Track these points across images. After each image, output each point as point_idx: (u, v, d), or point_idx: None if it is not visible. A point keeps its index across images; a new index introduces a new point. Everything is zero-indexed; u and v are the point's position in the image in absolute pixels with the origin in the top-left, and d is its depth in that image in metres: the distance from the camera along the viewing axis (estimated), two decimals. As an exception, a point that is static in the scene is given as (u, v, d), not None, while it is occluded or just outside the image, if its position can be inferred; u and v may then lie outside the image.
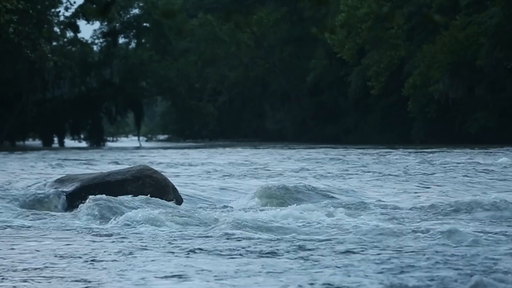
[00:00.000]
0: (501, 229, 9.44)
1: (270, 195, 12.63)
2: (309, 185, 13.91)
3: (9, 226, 10.16)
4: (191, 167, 23.10)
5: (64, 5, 56.52)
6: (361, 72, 54.49)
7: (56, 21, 56.28)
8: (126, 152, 39.43)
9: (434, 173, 18.93)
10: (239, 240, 8.66)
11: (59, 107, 57.64)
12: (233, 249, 8.07)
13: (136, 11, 62.33)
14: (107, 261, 7.51)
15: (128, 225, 10.01)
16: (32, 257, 7.78)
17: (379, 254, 7.66)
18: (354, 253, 7.75)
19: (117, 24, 61.23)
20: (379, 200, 12.94)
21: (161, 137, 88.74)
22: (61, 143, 58.63)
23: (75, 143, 60.14)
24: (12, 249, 8.30)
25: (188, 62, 61.33)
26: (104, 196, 11.39)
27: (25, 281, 6.65)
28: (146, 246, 8.37)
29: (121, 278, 6.74)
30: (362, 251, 7.85)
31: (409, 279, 6.48)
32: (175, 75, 59.81)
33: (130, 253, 7.90)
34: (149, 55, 59.61)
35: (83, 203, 11.21)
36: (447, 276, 6.55)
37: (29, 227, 10.12)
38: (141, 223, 10.01)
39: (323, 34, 46.89)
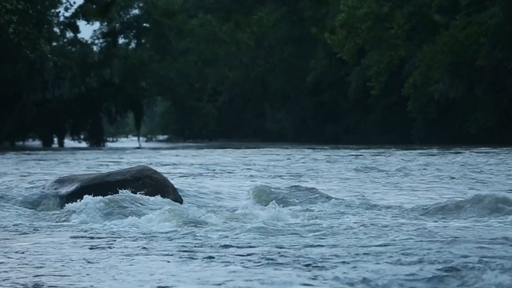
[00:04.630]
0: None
1: (270, 195, 12.62)
2: (308, 186, 13.92)
3: (8, 226, 10.16)
4: (191, 167, 23.09)
5: (64, 5, 56.60)
6: (361, 72, 54.48)
7: (56, 21, 56.30)
8: (126, 152, 39.42)
9: (435, 173, 18.93)
10: (238, 241, 8.65)
11: (59, 107, 57.64)
12: (233, 250, 8.07)
13: (136, 11, 62.38)
14: (105, 262, 7.50)
15: (127, 225, 10.01)
16: (31, 257, 7.77)
17: (378, 254, 7.65)
18: (349, 252, 7.74)
19: (117, 24, 61.21)
20: (378, 200, 12.93)
21: (161, 137, 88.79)
22: (61, 143, 58.65)
23: (75, 143, 60.15)
24: (11, 249, 8.29)
25: (188, 62, 61.31)
26: (104, 196, 11.39)
27: (23, 281, 6.64)
28: (144, 247, 8.36)
29: (118, 279, 6.74)
30: (359, 251, 7.84)
31: (415, 280, 6.47)
32: (175, 75, 59.80)
33: (128, 255, 7.89)
34: (149, 55, 59.63)
35: (83, 203, 11.20)
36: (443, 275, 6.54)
37: (28, 227, 10.12)
38: (139, 224, 10.01)
39: (323, 34, 46.85)
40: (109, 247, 8.39)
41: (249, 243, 8.47)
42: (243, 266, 7.16)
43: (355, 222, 10.03)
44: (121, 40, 62.88)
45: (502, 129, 44.63)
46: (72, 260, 7.57)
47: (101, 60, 60.61)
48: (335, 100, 60.74)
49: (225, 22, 60.48)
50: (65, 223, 10.42)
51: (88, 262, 7.48)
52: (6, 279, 6.71)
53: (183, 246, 8.34)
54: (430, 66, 47.42)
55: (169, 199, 11.86)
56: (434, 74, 46.87)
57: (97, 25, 61.14)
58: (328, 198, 12.94)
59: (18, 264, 7.41)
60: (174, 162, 26.65)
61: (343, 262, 7.26)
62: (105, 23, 60.42)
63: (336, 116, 60.23)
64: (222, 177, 18.54)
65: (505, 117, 45.17)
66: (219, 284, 6.46)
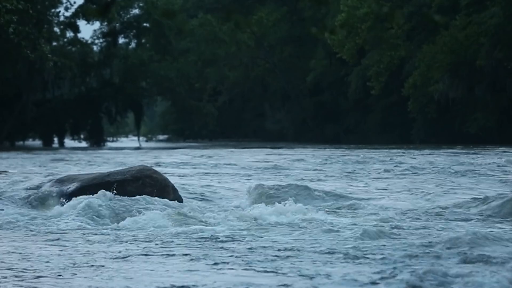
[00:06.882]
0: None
1: (268, 194, 12.62)
2: (306, 185, 13.92)
3: (8, 227, 10.15)
4: (191, 167, 23.09)
5: (64, 5, 56.58)
6: (361, 72, 54.46)
7: (56, 21, 56.31)
8: (126, 152, 39.41)
9: (434, 174, 18.92)
10: (238, 240, 8.65)
11: (59, 107, 57.63)
12: (233, 249, 8.06)
13: (136, 11, 62.35)
14: (105, 262, 7.49)
15: (127, 226, 10.00)
16: (30, 258, 7.76)
17: (373, 255, 7.65)
18: (345, 254, 7.74)
19: (117, 24, 61.19)
20: (374, 201, 12.93)
21: (161, 137, 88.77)
22: (61, 143, 58.65)
23: (75, 143, 60.16)
24: (10, 249, 8.29)
25: (188, 62, 61.27)
26: (103, 197, 11.38)
27: (21, 281, 6.64)
28: (144, 247, 8.35)
29: (118, 280, 6.73)
30: (351, 253, 7.84)
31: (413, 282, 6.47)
32: (175, 75, 59.77)
33: (128, 255, 7.88)
34: (149, 55, 59.62)
35: (83, 203, 11.19)
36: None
37: (28, 227, 10.11)
38: (140, 224, 10.01)
39: (323, 34, 46.83)
40: (109, 247, 8.38)
41: (250, 242, 8.47)
42: (245, 266, 7.16)
43: (354, 222, 10.03)
44: (121, 40, 62.92)
45: (502, 129, 44.61)
46: (71, 260, 7.56)
47: (101, 60, 60.59)
48: (335, 100, 60.72)
49: (225, 22, 60.45)
50: (65, 223, 10.41)
51: (88, 262, 7.47)
52: (4, 279, 6.70)
53: (183, 245, 8.33)
54: (430, 66, 47.40)
55: (169, 199, 11.87)
56: (434, 74, 46.85)
57: (97, 25, 61.19)
58: (330, 197, 12.94)
59: (17, 264, 7.40)
60: (174, 162, 26.65)
61: (345, 263, 7.26)
62: (105, 23, 60.39)
63: (336, 116, 60.21)
64: (222, 176, 18.54)
65: (505, 117, 45.15)
66: (219, 284, 6.46)
